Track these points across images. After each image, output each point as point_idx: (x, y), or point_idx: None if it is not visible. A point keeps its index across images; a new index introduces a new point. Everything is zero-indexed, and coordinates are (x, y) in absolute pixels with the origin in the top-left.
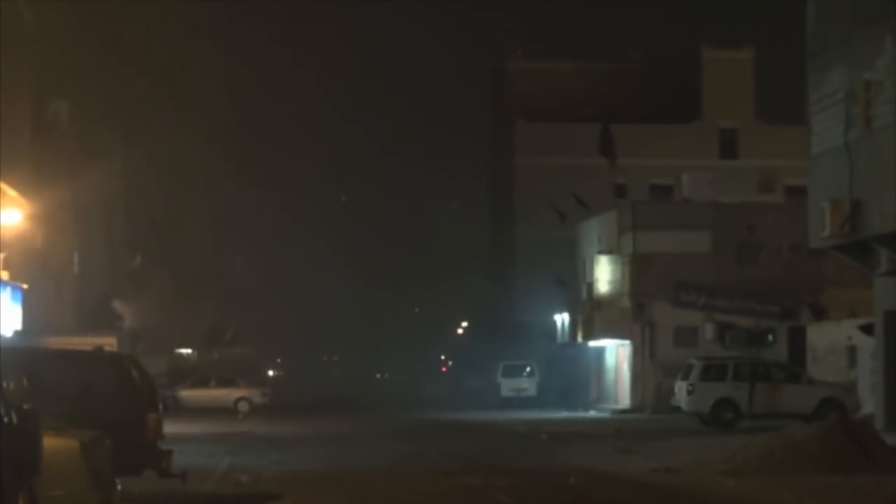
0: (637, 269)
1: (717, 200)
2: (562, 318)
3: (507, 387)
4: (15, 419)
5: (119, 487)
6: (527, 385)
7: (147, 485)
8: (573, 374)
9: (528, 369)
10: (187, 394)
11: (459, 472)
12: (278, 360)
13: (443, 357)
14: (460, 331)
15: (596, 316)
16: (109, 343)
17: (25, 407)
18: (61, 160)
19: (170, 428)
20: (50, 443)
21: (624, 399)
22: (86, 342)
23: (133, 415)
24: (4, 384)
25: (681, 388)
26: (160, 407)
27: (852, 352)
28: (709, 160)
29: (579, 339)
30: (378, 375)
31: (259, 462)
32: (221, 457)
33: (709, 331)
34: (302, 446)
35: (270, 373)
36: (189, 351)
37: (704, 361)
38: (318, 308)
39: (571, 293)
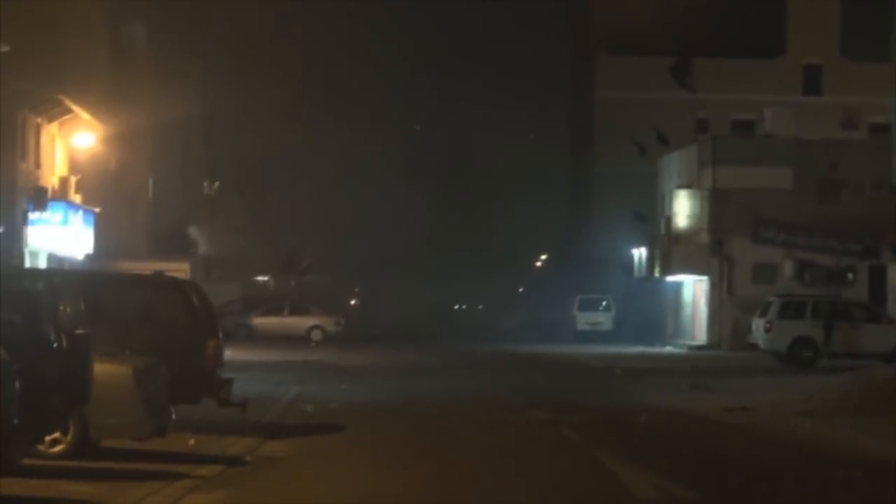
0: (716, 205)
1: (799, 137)
2: (639, 253)
3: (583, 320)
4: (66, 344)
5: (174, 416)
6: (603, 319)
7: (207, 413)
8: (650, 309)
9: (604, 303)
10: (260, 321)
11: (529, 407)
12: (356, 290)
13: (520, 290)
14: (538, 263)
15: (674, 251)
16: (182, 269)
17: (78, 332)
18: (138, 83)
19: (241, 355)
20: (102, 369)
21: (700, 335)
22: (158, 268)
23: (192, 342)
24: (61, 308)
25: (758, 325)
26: (220, 334)
27: None
28: (792, 96)
29: (657, 274)
30: (456, 307)
31: (327, 392)
32: (289, 385)
33: (788, 268)
34: (372, 377)
35: (352, 302)
36: (266, 278)
37: (783, 299)
38: (397, 238)
39: (650, 228)
